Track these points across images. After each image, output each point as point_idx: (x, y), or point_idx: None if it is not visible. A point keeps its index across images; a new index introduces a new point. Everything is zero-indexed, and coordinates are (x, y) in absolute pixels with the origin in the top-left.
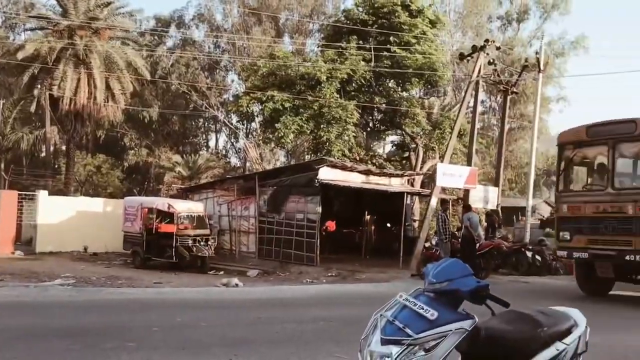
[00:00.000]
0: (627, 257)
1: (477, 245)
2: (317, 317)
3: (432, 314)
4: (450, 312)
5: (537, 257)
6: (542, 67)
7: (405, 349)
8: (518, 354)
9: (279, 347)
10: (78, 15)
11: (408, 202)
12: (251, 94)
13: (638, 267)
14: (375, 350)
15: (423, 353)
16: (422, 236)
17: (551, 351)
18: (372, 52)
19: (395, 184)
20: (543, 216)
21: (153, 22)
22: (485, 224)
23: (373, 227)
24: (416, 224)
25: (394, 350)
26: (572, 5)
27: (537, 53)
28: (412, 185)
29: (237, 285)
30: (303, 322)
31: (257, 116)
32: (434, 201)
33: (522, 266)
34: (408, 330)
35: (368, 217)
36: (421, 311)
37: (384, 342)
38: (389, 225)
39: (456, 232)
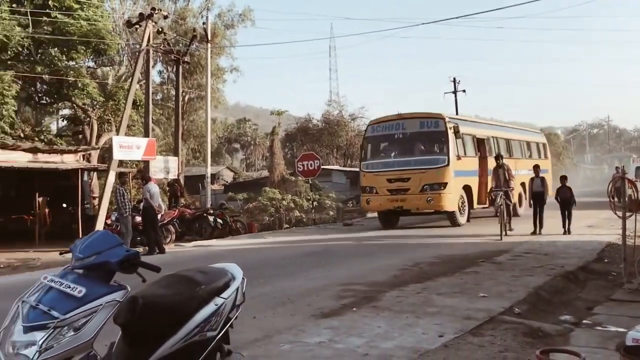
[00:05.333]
0: None
1: (159, 215)
2: None
3: (79, 290)
4: (100, 286)
5: (219, 220)
6: (210, 37)
7: (52, 332)
8: (178, 315)
9: None
10: None
11: (85, 179)
12: None
13: None
14: (18, 340)
15: (73, 333)
16: (102, 213)
17: (210, 307)
18: (29, 17)
19: (69, 161)
20: (226, 182)
21: None
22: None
23: (47, 210)
24: (96, 202)
25: (39, 335)
26: None
27: (204, 24)
28: (89, 160)
29: None
30: None
31: None
32: (112, 176)
33: (206, 231)
34: (54, 312)
35: (40, 199)
36: (68, 290)
37: (27, 329)
38: (65, 205)
39: (138, 205)
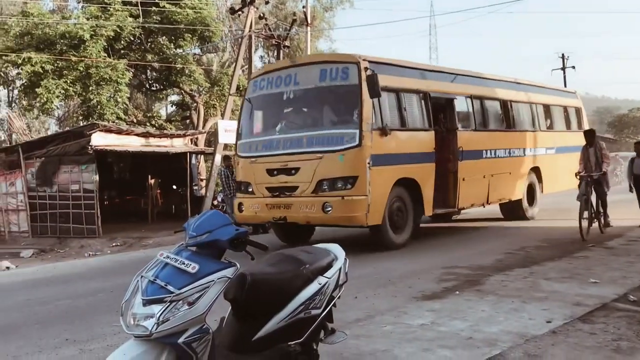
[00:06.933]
0: None
1: None
2: (97, 289)
3: (193, 267)
4: (212, 263)
5: None
6: (309, 21)
7: (168, 305)
8: (284, 293)
9: (51, 327)
10: None
11: (193, 162)
12: (3, 57)
13: None
14: (138, 312)
15: (187, 307)
16: (209, 194)
17: (314, 286)
18: (140, 7)
19: (178, 145)
20: None
21: None
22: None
23: (158, 191)
24: (203, 183)
25: (157, 309)
26: None
27: (303, 7)
28: (196, 144)
29: (8, 268)
30: (80, 297)
31: (14, 81)
32: (218, 158)
33: None
34: (170, 287)
35: (152, 181)
36: (182, 266)
37: (146, 302)
38: (175, 187)
39: None
